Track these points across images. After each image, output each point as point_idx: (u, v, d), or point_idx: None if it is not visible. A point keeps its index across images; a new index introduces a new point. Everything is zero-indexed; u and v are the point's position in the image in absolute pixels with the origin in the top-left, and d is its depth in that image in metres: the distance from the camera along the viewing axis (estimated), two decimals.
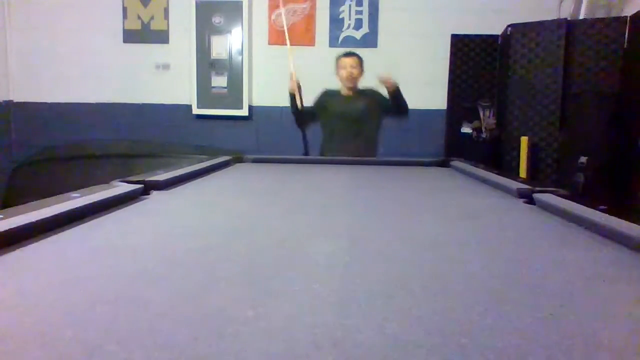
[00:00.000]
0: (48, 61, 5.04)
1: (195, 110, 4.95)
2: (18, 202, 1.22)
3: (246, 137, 4.88)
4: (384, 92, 3.22)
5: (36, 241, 0.99)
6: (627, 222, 1.07)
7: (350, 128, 3.23)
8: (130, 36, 5.01)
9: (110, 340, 0.57)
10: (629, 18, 3.59)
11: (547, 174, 3.87)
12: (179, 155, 4.08)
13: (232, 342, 0.57)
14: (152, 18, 4.99)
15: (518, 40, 3.89)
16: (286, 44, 3.54)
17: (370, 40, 4.87)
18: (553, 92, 3.81)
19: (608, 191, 3.36)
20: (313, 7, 4.87)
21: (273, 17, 4.91)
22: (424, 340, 0.58)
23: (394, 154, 4.60)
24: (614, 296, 0.77)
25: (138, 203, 1.48)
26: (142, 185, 1.60)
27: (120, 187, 1.50)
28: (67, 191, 1.34)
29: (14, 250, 0.92)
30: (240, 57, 4.88)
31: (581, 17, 4.05)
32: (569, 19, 3.96)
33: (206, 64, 4.89)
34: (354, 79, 3.23)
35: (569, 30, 3.75)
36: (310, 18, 4.88)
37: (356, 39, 4.88)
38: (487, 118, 4.20)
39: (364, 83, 3.33)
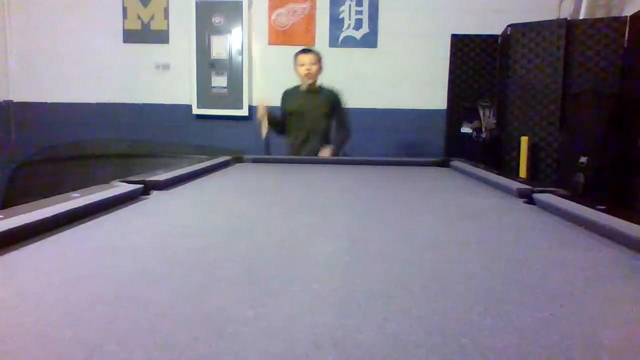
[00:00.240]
0: (48, 61, 5.04)
1: (195, 110, 4.95)
2: (18, 202, 1.22)
3: (246, 137, 4.88)
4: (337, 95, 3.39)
5: (36, 241, 0.99)
6: (627, 222, 1.07)
7: (309, 123, 3.30)
8: (130, 36, 5.01)
9: (110, 340, 0.57)
10: (629, 18, 3.59)
11: (547, 174, 3.87)
12: (179, 155, 4.09)
13: (232, 342, 0.57)
14: (152, 18, 4.99)
15: (518, 40, 3.89)
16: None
17: (370, 40, 4.87)
18: (553, 92, 3.81)
19: (608, 191, 3.36)
20: (313, 7, 4.87)
21: (273, 17, 4.91)
22: (424, 340, 0.58)
23: (394, 154, 4.61)
24: (614, 296, 0.77)
25: (138, 203, 1.48)
26: (142, 185, 1.60)
27: (120, 187, 1.50)
28: (67, 191, 1.34)
29: (14, 250, 0.92)
30: (240, 57, 4.89)
31: (581, 17, 4.06)
32: (569, 19, 3.96)
33: (206, 64, 4.90)
34: (312, 76, 3.29)
35: (569, 30, 3.75)
36: (310, 18, 4.89)
37: (356, 39, 4.88)
38: (487, 118, 4.20)
39: (324, 80, 3.39)
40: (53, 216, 1.08)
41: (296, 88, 3.45)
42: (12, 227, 0.96)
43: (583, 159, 3.43)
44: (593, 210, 1.22)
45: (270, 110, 3.34)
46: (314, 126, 3.30)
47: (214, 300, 0.71)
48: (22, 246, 0.94)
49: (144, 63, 5.01)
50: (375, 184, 2.18)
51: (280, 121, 3.39)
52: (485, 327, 0.62)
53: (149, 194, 1.61)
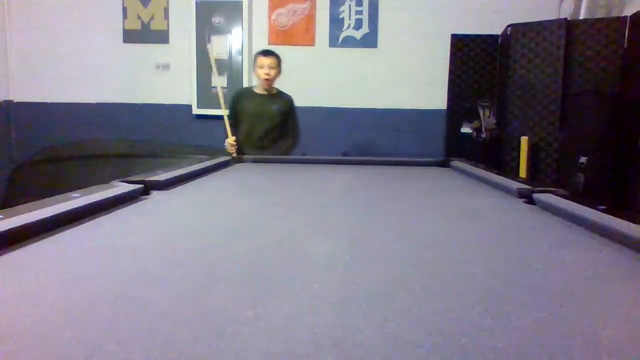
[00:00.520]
0: (48, 61, 5.04)
1: (195, 110, 4.95)
2: (18, 202, 1.22)
3: None
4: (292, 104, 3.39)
5: (36, 241, 0.99)
6: (627, 222, 1.07)
7: (263, 127, 3.29)
8: (130, 36, 5.01)
9: (110, 340, 0.57)
10: (629, 18, 3.59)
11: (547, 174, 3.87)
12: (179, 155, 4.09)
13: (232, 342, 0.57)
14: (152, 18, 4.99)
15: (518, 40, 3.89)
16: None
17: (370, 40, 4.87)
18: (553, 92, 3.81)
19: (608, 191, 3.36)
20: (313, 7, 4.87)
21: (273, 17, 4.91)
22: (424, 340, 0.58)
23: (394, 154, 4.61)
24: (614, 296, 0.77)
25: (138, 203, 1.48)
26: (142, 185, 1.60)
27: (120, 187, 1.50)
28: (67, 191, 1.34)
29: (14, 250, 0.92)
30: (240, 57, 4.89)
31: (581, 17, 4.05)
32: (569, 19, 3.96)
33: (206, 64, 4.89)
34: (270, 81, 3.29)
35: (569, 30, 3.75)
36: (310, 18, 4.89)
37: (356, 39, 4.88)
38: (487, 118, 4.20)
39: (279, 84, 3.38)
40: (53, 216, 1.08)
41: (250, 89, 3.45)
42: (12, 227, 0.96)
43: (583, 159, 3.43)
44: (593, 210, 1.22)
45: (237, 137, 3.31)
46: (268, 129, 3.29)
47: (214, 300, 0.71)
48: (22, 246, 0.94)
49: (144, 63, 5.01)
50: (375, 184, 2.18)
51: (231, 123, 3.36)
52: (485, 327, 0.62)
53: (149, 194, 1.61)
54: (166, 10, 4.97)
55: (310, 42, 4.89)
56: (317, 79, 4.91)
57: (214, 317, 0.64)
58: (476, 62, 4.49)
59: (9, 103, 5.10)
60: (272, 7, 4.89)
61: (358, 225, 1.29)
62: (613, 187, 3.36)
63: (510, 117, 3.97)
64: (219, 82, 3.57)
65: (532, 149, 3.84)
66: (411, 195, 1.90)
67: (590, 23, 3.76)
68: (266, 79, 3.25)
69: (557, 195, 1.46)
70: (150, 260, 0.91)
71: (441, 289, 0.77)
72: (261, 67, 3.25)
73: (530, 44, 3.86)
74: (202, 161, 2.48)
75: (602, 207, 1.23)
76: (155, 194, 1.63)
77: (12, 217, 1.01)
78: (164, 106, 5.02)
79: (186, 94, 4.95)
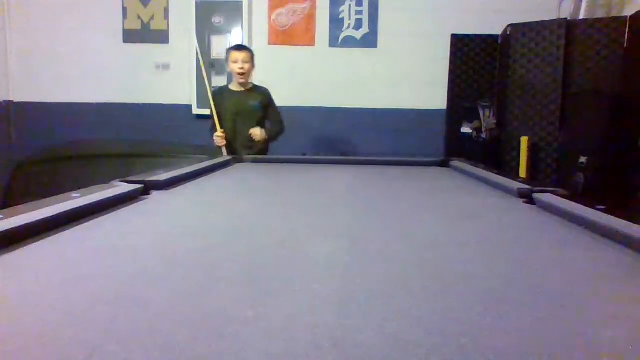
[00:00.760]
0: (48, 61, 5.04)
1: (195, 110, 4.94)
2: (18, 202, 1.22)
3: None
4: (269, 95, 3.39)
5: (36, 241, 0.99)
6: (627, 222, 1.07)
7: (249, 125, 3.29)
8: (130, 36, 5.01)
9: (110, 340, 0.57)
10: (629, 18, 3.59)
11: (547, 174, 3.87)
12: (179, 155, 4.08)
13: (232, 342, 0.57)
14: (152, 18, 4.99)
15: (518, 40, 3.89)
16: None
17: (370, 40, 4.87)
18: (553, 92, 3.81)
19: (608, 191, 3.35)
20: (313, 7, 4.87)
21: (273, 17, 4.91)
22: (424, 340, 0.58)
23: (394, 154, 4.61)
24: (614, 296, 0.77)
25: (138, 203, 1.48)
26: (142, 185, 1.60)
27: (120, 187, 1.50)
28: (67, 191, 1.34)
29: (14, 250, 0.92)
30: None
31: (581, 17, 4.05)
32: (569, 19, 3.96)
33: (206, 64, 4.89)
34: (245, 75, 3.28)
35: (569, 30, 3.75)
36: (310, 18, 4.89)
37: (356, 39, 4.88)
38: (487, 118, 4.20)
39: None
40: (53, 216, 1.08)
41: (226, 87, 3.45)
42: (12, 227, 0.96)
43: (583, 159, 3.43)
44: (593, 210, 1.22)
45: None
46: (249, 125, 3.28)
47: (214, 300, 0.71)
48: (22, 246, 0.94)
49: (144, 63, 5.01)
50: (375, 183, 2.18)
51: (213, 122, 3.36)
52: (485, 327, 0.62)
53: (149, 194, 1.61)
54: (166, 10, 4.97)
55: (310, 42, 4.89)
56: (317, 79, 4.90)
57: (214, 317, 0.64)
58: (476, 62, 4.49)
59: (9, 103, 5.10)
60: (272, 7, 4.89)
61: (358, 225, 1.29)
62: (613, 187, 3.36)
63: (510, 117, 3.97)
64: (207, 82, 3.57)
65: (532, 149, 3.84)
66: (411, 195, 1.90)
67: (590, 23, 3.76)
68: (241, 74, 3.23)
69: (557, 195, 1.46)
70: (150, 260, 0.91)
71: (441, 289, 0.77)
72: (235, 62, 3.24)
73: (530, 44, 3.86)
74: (202, 161, 2.48)
75: (602, 207, 1.23)
76: (155, 194, 1.63)
77: (12, 217, 1.01)
78: (164, 106, 5.02)
79: (186, 94, 4.95)
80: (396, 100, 4.88)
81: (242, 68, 3.23)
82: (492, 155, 3.98)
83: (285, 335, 0.59)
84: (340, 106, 4.91)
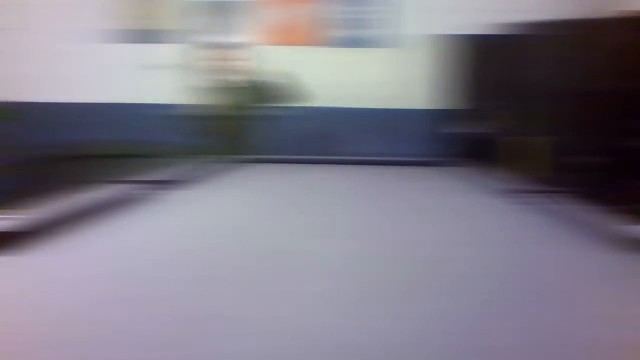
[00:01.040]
0: (48, 61, 5.03)
1: (194, 110, 4.94)
2: (18, 202, 1.22)
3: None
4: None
5: (37, 241, 0.98)
6: (627, 222, 1.07)
7: (227, 122, 3.27)
8: (128, 36, 5.00)
9: (109, 340, 0.57)
10: (628, 18, 3.58)
11: (547, 174, 3.87)
12: (178, 156, 4.08)
13: (232, 342, 0.57)
14: (150, 18, 4.98)
15: (519, 40, 3.88)
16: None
17: (370, 40, 4.87)
18: (553, 92, 3.80)
19: (608, 191, 3.35)
20: (313, 7, 4.87)
21: (273, 17, 4.90)
22: (423, 340, 0.58)
23: (394, 154, 4.60)
24: (614, 296, 0.77)
25: (139, 203, 1.48)
26: (143, 185, 1.59)
27: (119, 188, 1.50)
28: (67, 191, 1.33)
29: (14, 250, 0.92)
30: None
31: (582, 17, 4.05)
32: (569, 19, 3.95)
33: (200, 63, 4.88)
34: (235, 71, 3.25)
35: (569, 30, 3.74)
36: (310, 18, 4.88)
37: (357, 39, 4.88)
38: (487, 118, 4.20)
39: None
40: (54, 216, 1.08)
41: (217, 84, 3.43)
42: (13, 227, 0.96)
43: (583, 159, 3.43)
44: (592, 210, 1.22)
45: None
46: (232, 125, 3.28)
47: (214, 300, 0.71)
48: (23, 246, 0.94)
49: (143, 63, 5.00)
50: (375, 184, 2.18)
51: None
52: (486, 327, 0.62)
53: (151, 194, 1.61)
54: (164, 10, 4.97)
55: (311, 42, 4.89)
56: (317, 79, 4.90)
57: (214, 317, 0.64)
58: (476, 62, 4.48)
59: (9, 103, 5.09)
60: (272, 7, 4.89)
61: (358, 225, 1.29)
62: (613, 187, 3.36)
63: (509, 117, 3.96)
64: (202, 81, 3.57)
65: (533, 149, 3.83)
66: (410, 195, 1.90)
67: (591, 23, 3.76)
68: (231, 70, 3.23)
69: (557, 195, 1.45)
70: (151, 260, 0.91)
71: (441, 289, 0.77)
72: (224, 59, 3.23)
73: (531, 44, 3.85)
74: (203, 162, 2.48)
75: (602, 207, 1.23)
76: (156, 194, 1.63)
77: (12, 217, 1.01)
78: (164, 106, 5.01)
79: (184, 94, 4.94)
80: (396, 100, 4.87)
81: (231, 64, 3.23)
82: (491, 155, 3.98)
83: (285, 335, 0.59)
84: (340, 106, 4.91)
